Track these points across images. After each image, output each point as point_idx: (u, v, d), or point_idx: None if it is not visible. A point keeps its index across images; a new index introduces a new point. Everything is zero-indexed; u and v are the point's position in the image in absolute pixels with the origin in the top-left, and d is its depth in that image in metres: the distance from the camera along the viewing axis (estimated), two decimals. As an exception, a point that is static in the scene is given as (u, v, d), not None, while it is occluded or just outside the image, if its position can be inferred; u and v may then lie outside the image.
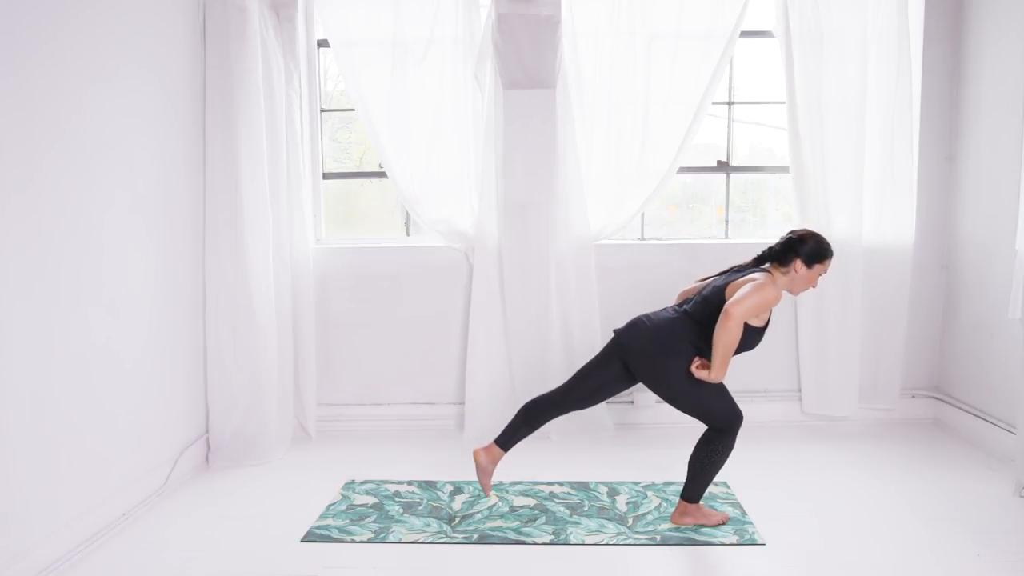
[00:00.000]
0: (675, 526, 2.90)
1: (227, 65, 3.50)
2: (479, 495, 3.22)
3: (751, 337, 2.76)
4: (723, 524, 2.91)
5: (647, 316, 2.91)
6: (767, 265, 2.85)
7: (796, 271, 2.76)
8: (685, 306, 2.89)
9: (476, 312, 3.97)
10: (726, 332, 2.64)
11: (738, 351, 2.74)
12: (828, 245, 2.79)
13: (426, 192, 3.97)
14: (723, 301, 2.74)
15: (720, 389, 2.81)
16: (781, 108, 4.04)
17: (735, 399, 2.86)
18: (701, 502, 2.97)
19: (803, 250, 2.75)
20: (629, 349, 2.85)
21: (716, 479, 3.31)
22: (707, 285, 2.90)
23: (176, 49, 3.36)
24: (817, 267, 2.76)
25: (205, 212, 3.57)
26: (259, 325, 3.63)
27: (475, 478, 3.26)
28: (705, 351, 2.78)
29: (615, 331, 2.95)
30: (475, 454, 2.99)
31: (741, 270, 2.89)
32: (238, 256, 3.57)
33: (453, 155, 3.99)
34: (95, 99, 2.80)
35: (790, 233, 2.83)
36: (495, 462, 2.99)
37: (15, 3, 2.39)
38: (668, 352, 2.79)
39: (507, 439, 2.98)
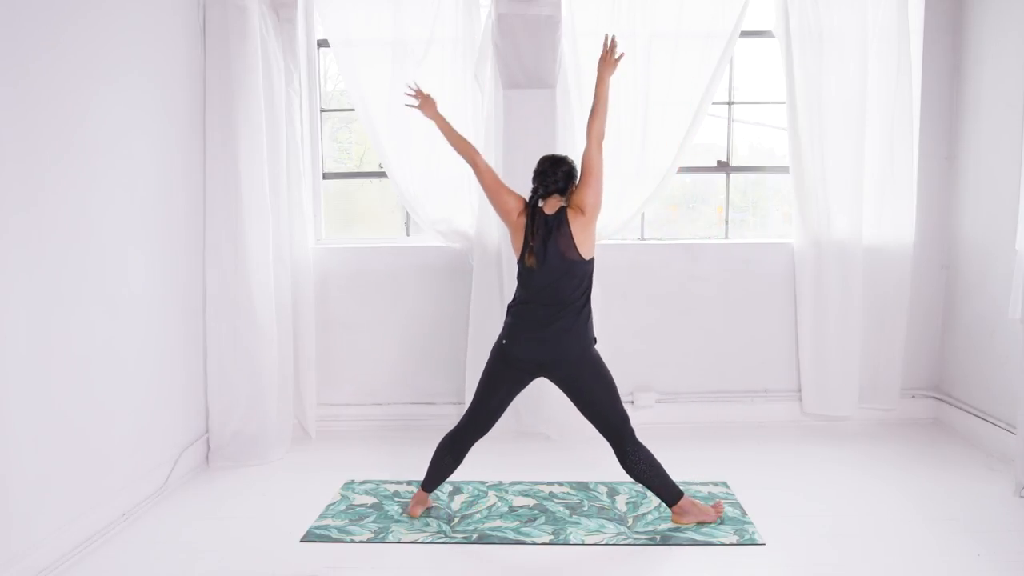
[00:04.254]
0: (675, 526, 2.90)
1: (227, 65, 3.50)
2: (478, 495, 3.22)
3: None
4: (720, 517, 2.93)
5: (539, 327, 2.83)
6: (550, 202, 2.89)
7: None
8: (541, 301, 2.83)
9: (476, 312, 3.97)
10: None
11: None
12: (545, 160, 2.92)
13: (426, 192, 3.97)
14: (577, 257, 2.79)
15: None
16: (781, 108, 4.04)
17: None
18: (700, 502, 3.00)
19: (573, 170, 2.88)
20: (559, 365, 2.85)
21: (716, 479, 3.32)
22: (532, 258, 2.83)
23: (176, 49, 3.36)
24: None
25: (205, 212, 3.57)
26: (259, 325, 3.63)
27: (474, 478, 3.30)
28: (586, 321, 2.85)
29: (521, 358, 2.87)
30: (413, 513, 3.03)
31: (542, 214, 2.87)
32: (238, 256, 3.57)
33: (453, 155, 3.97)
34: (96, 101, 2.80)
35: (555, 167, 2.86)
36: (427, 505, 3.09)
37: (17, 9, 2.40)
38: (586, 348, 2.85)
39: (434, 483, 3.04)
